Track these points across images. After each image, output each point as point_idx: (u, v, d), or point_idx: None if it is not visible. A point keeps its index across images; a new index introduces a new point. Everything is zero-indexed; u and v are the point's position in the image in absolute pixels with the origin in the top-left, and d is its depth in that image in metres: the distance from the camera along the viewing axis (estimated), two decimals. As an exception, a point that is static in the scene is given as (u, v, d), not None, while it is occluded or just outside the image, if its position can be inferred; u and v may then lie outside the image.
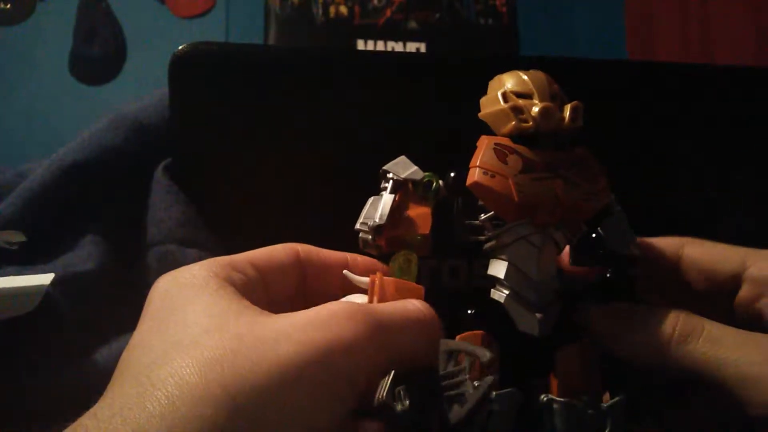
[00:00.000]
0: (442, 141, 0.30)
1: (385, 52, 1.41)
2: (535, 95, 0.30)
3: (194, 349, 0.22)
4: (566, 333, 0.31)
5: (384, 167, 0.34)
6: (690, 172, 0.48)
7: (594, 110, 0.31)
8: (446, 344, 0.27)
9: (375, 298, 0.30)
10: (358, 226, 0.33)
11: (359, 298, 0.31)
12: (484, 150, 0.30)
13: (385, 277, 0.31)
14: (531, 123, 0.29)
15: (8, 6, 1.84)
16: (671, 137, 0.48)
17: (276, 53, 0.46)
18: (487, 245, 0.31)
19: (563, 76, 0.32)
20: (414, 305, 0.27)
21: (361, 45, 1.82)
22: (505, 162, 0.29)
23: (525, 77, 0.31)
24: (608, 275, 0.33)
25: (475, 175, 0.29)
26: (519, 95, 0.30)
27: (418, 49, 1.84)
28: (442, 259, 0.38)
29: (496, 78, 0.32)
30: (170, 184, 0.43)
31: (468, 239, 0.32)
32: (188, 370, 0.21)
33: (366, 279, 0.31)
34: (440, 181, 0.33)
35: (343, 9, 1.85)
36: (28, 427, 0.34)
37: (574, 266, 0.34)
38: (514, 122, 0.30)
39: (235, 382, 0.21)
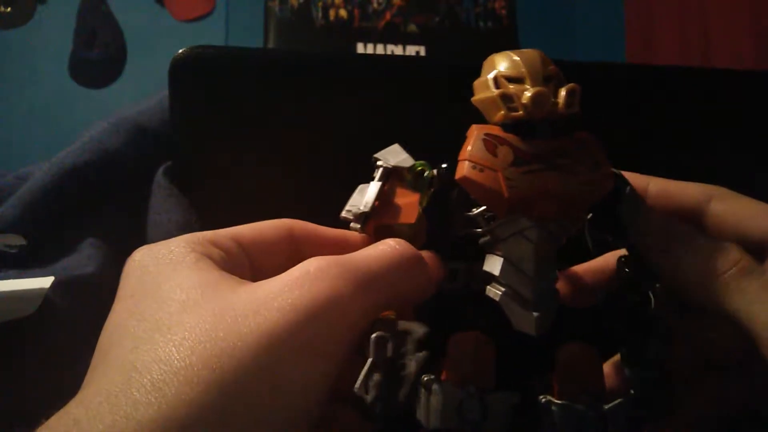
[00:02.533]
0: (443, 144, 0.29)
1: (384, 56, 1.42)
2: (527, 79, 0.28)
3: (175, 329, 0.22)
4: (566, 332, 0.30)
5: (375, 155, 0.33)
6: (689, 175, 0.48)
7: (593, 113, 0.31)
8: (401, 323, 0.26)
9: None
10: (343, 213, 0.32)
11: None
12: (473, 141, 0.28)
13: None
14: (521, 111, 0.28)
15: (8, 9, 1.84)
16: (670, 140, 0.48)
17: (276, 57, 0.46)
18: (482, 240, 0.30)
19: (564, 78, 0.32)
20: (387, 245, 0.27)
21: (360, 48, 1.82)
22: (494, 154, 0.28)
23: (517, 58, 0.29)
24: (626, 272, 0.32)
25: (463, 168, 0.28)
26: (510, 80, 0.28)
27: (417, 52, 1.84)
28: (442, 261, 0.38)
29: (489, 59, 0.30)
30: (170, 187, 0.43)
31: (465, 232, 0.31)
32: (172, 353, 0.21)
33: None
34: (433, 171, 0.32)
35: (343, 12, 1.86)
36: (27, 430, 0.34)
37: (574, 301, 0.33)
38: (503, 111, 0.28)
39: (220, 360, 0.21)
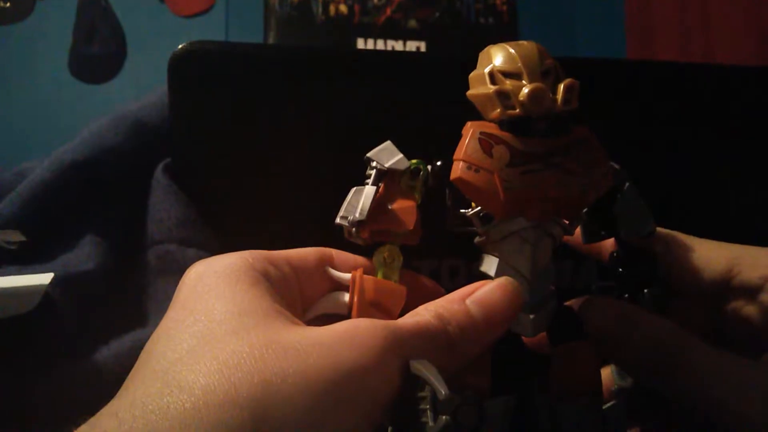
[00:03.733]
0: (443, 141, 0.29)
1: (385, 51, 1.41)
2: (524, 75, 0.27)
3: (221, 350, 0.22)
4: (563, 332, 0.30)
5: (368, 154, 0.31)
6: (690, 171, 0.48)
7: (594, 110, 0.31)
8: (415, 367, 0.24)
9: (355, 298, 0.29)
10: (338, 220, 0.31)
11: (342, 296, 0.30)
12: (468, 140, 0.27)
13: (365, 276, 0.30)
14: (518, 109, 0.27)
15: (8, 4, 1.84)
16: (671, 137, 0.48)
17: (276, 52, 0.46)
18: (477, 240, 0.30)
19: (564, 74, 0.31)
20: (425, 318, 0.26)
21: (361, 44, 1.82)
22: (490, 154, 0.27)
23: (513, 52, 0.28)
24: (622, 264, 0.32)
25: (458, 169, 0.27)
26: (507, 75, 0.27)
27: (418, 48, 1.84)
28: (441, 258, 0.37)
29: (485, 51, 0.29)
30: (170, 183, 0.43)
31: (460, 231, 0.30)
32: (214, 376, 0.21)
33: (347, 276, 0.30)
34: (429, 167, 0.31)
35: (343, 8, 1.85)
36: (27, 427, 0.34)
37: (540, 342, 0.32)
38: (499, 109, 0.27)
39: (263, 391, 0.21)
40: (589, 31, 1.94)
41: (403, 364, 0.24)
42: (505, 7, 1.89)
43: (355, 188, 0.31)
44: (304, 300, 0.30)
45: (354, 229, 0.30)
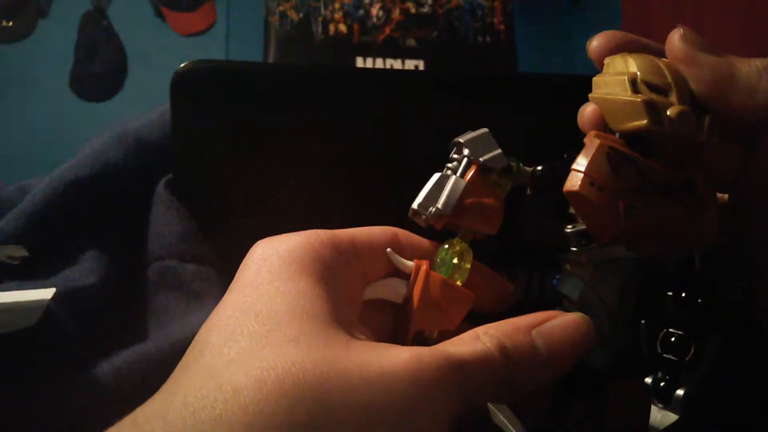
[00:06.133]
0: (441, 159, 0.29)
1: (384, 70, 1.42)
2: (673, 93, 0.24)
3: (278, 358, 0.21)
4: (628, 369, 0.27)
5: (460, 138, 0.28)
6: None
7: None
8: (497, 417, 0.23)
9: (417, 294, 0.27)
10: (415, 206, 0.28)
11: (401, 286, 0.29)
12: (595, 154, 0.24)
13: (433, 273, 0.28)
14: (667, 127, 0.24)
15: (10, 23, 1.86)
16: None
17: (276, 71, 0.47)
18: (563, 257, 0.27)
19: (562, 92, 0.31)
20: (486, 348, 0.24)
21: (360, 62, 1.83)
22: (617, 174, 0.24)
23: (662, 66, 0.25)
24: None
25: (577, 183, 0.24)
26: (652, 88, 0.25)
27: (416, 66, 1.85)
28: (497, 260, 0.32)
29: (620, 58, 0.26)
30: (171, 199, 0.43)
31: (536, 239, 0.28)
32: (272, 386, 0.20)
33: (410, 264, 0.28)
34: (526, 168, 0.28)
35: (343, 27, 1.87)
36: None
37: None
38: (646, 121, 0.24)
39: (322, 414, 0.20)
40: (586, 50, 1.95)
41: (462, 399, 0.23)
42: (502, 26, 1.90)
43: (438, 175, 0.28)
44: (366, 281, 0.28)
45: (431, 221, 0.28)
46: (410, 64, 1.86)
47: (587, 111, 0.27)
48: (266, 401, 0.20)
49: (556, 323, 0.26)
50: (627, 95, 0.25)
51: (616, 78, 0.26)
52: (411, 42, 1.87)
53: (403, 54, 1.87)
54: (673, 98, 0.25)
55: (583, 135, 0.26)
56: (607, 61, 0.27)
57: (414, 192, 0.29)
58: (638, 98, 0.24)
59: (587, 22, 1.99)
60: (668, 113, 0.24)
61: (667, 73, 0.25)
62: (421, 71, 1.40)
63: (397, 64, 1.85)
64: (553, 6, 2.03)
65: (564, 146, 0.27)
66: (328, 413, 0.20)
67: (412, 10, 1.89)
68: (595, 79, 0.27)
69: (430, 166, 0.30)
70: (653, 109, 0.24)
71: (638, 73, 0.25)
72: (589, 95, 0.27)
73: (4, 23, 1.85)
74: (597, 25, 1.99)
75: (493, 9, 1.91)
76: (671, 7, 1.71)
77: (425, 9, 1.90)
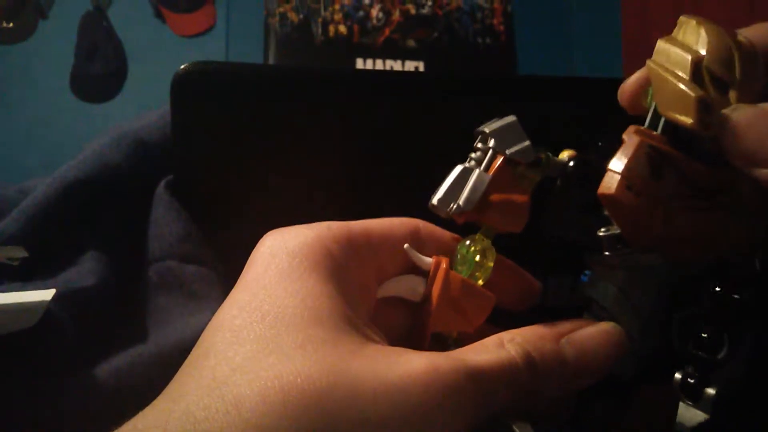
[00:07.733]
0: (440, 160, 0.29)
1: (384, 71, 1.43)
2: (736, 90, 0.22)
3: (285, 368, 0.20)
4: (655, 375, 0.25)
5: (485, 127, 0.26)
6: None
7: (592, 129, 0.31)
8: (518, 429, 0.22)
9: (436, 293, 0.26)
10: (435, 201, 0.26)
11: (419, 284, 0.27)
12: (634, 154, 0.22)
13: (453, 273, 0.26)
14: (715, 130, 0.21)
15: (11, 24, 1.86)
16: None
17: (276, 72, 0.47)
18: (593, 259, 0.25)
19: (562, 94, 0.31)
20: (510, 356, 0.23)
21: (360, 64, 1.84)
22: (657, 177, 0.22)
23: (735, 54, 0.22)
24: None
25: (613, 186, 0.22)
26: (715, 80, 0.22)
27: (416, 67, 1.86)
28: (516, 258, 0.30)
29: (696, 24, 0.23)
30: (171, 200, 0.43)
31: (560, 236, 0.26)
32: (275, 398, 0.20)
33: (429, 261, 0.27)
34: (551, 157, 0.26)
35: (342, 28, 1.87)
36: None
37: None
38: (692, 121, 0.21)
39: (328, 429, 0.19)
40: (586, 51, 1.95)
41: (481, 410, 0.22)
42: (502, 27, 1.91)
43: (460, 167, 0.26)
44: (381, 277, 0.27)
45: (452, 216, 0.26)
46: (410, 66, 1.86)
47: (632, 80, 0.25)
48: (268, 415, 0.19)
49: (587, 333, 0.24)
50: (683, 82, 0.22)
51: (681, 54, 0.22)
52: (411, 43, 1.88)
53: (403, 55, 1.87)
54: (732, 96, 0.22)
55: (581, 135, 0.25)
56: (682, 19, 0.24)
57: (414, 193, 0.28)
58: (692, 93, 0.21)
59: (587, 24, 1.99)
60: (721, 114, 0.21)
61: (738, 64, 0.22)
62: (421, 73, 1.40)
63: (397, 66, 1.86)
64: (553, 7, 2.04)
65: (593, 137, 0.25)
66: (334, 428, 0.20)
67: (412, 12, 1.90)
68: (660, 43, 0.23)
69: (430, 166, 0.30)
70: (705, 109, 0.21)
71: (706, 56, 0.22)
72: (648, 61, 0.24)
73: (5, 24, 1.86)
74: (597, 27, 1.99)
75: (492, 10, 1.92)
76: (671, 7, 1.71)
77: (425, 10, 1.90)
